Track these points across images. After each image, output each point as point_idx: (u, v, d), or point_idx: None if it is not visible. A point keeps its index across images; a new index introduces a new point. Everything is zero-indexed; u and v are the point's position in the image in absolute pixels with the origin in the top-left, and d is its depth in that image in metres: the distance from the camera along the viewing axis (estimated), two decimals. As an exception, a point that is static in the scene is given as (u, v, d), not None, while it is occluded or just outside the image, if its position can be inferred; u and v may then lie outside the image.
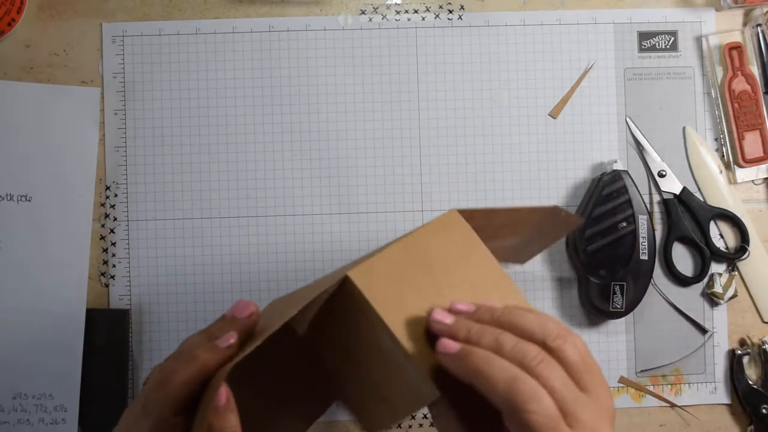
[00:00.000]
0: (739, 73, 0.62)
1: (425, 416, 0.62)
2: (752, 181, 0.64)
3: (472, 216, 0.46)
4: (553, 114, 0.63)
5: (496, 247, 0.48)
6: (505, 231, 0.50)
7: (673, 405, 0.63)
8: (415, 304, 0.41)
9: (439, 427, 0.42)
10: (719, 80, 0.63)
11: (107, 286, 0.61)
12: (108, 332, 0.60)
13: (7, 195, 0.60)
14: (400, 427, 0.62)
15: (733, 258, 0.62)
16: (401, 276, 0.41)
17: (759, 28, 0.62)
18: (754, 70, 0.62)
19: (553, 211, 0.50)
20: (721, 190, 0.63)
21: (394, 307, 0.40)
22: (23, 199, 0.60)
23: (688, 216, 0.63)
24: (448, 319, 0.40)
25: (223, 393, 0.39)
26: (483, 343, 0.39)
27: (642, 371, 0.63)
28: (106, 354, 0.60)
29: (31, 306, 0.59)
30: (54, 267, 0.60)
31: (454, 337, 0.39)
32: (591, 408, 0.38)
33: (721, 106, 0.63)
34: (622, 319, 0.62)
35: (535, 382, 0.37)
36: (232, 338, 0.41)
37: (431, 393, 0.39)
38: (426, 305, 0.41)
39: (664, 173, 0.63)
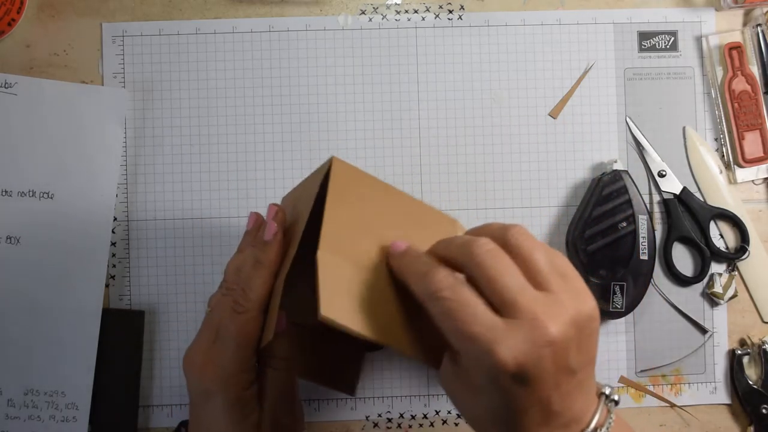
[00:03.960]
0: (739, 73, 0.62)
1: (425, 416, 0.62)
2: (752, 181, 0.64)
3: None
4: (553, 114, 0.63)
5: None
6: None
7: (673, 405, 0.63)
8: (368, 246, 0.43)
9: None
10: (719, 80, 0.63)
11: (107, 286, 0.61)
12: (123, 332, 0.60)
13: (29, 192, 0.59)
14: (400, 427, 0.62)
15: (733, 258, 0.62)
16: (350, 237, 0.43)
17: (759, 28, 0.62)
18: (754, 70, 0.62)
19: None
20: (721, 190, 0.63)
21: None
22: (45, 196, 0.59)
23: (688, 216, 0.63)
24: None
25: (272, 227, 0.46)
26: (438, 245, 0.40)
27: (642, 371, 0.63)
28: (120, 354, 0.60)
29: (47, 303, 0.59)
30: (72, 265, 0.59)
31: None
32: (544, 303, 0.36)
33: (721, 106, 0.63)
34: (622, 319, 0.62)
35: (447, 272, 0.38)
36: (273, 227, 0.46)
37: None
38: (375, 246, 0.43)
39: (664, 173, 0.63)
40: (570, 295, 0.38)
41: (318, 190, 0.44)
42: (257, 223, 0.49)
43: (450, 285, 0.37)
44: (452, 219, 0.49)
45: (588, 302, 0.39)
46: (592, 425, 0.38)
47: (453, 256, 0.39)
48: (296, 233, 0.45)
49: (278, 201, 0.62)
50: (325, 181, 0.44)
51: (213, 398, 0.45)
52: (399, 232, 0.44)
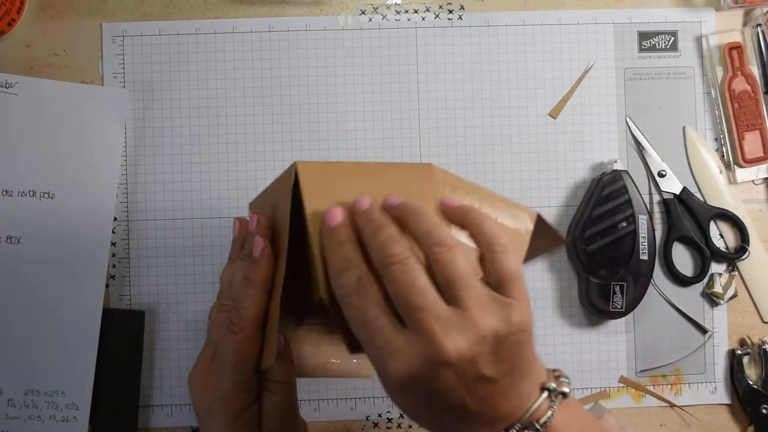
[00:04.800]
0: (739, 73, 0.62)
1: (425, 416, 0.62)
2: (752, 181, 0.64)
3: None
4: (553, 114, 0.63)
5: None
6: None
7: (673, 405, 0.63)
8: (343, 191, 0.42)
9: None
10: (719, 80, 0.63)
11: (107, 285, 0.61)
12: (123, 332, 0.60)
13: (30, 191, 0.59)
14: (400, 427, 0.62)
15: (733, 258, 0.62)
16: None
17: (759, 28, 0.62)
18: (754, 70, 0.62)
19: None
20: (721, 190, 0.63)
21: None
22: (46, 196, 0.59)
23: (688, 216, 0.63)
24: (365, 204, 0.40)
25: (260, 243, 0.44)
26: (365, 230, 0.39)
27: (642, 371, 0.63)
28: (120, 354, 0.60)
29: (47, 303, 0.59)
30: (73, 265, 0.59)
31: (353, 221, 0.40)
32: (447, 322, 0.36)
33: (721, 106, 0.63)
34: (622, 319, 0.62)
35: (358, 274, 0.37)
36: (260, 243, 0.44)
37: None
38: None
39: (664, 173, 0.63)
40: (488, 309, 0.37)
41: (291, 201, 0.43)
42: (243, 229, 0.48)
43: (358, 290, 0.37)
44: (425, 165, 0.47)
45: (514, 314, 0.37)
46: (523, 420, 0.38)
47: (371, 253, 0.38)
48: (280, 250, 0.44)
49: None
50: (296, 189, 0.42)
51: (214, 417, 0.45)
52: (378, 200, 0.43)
